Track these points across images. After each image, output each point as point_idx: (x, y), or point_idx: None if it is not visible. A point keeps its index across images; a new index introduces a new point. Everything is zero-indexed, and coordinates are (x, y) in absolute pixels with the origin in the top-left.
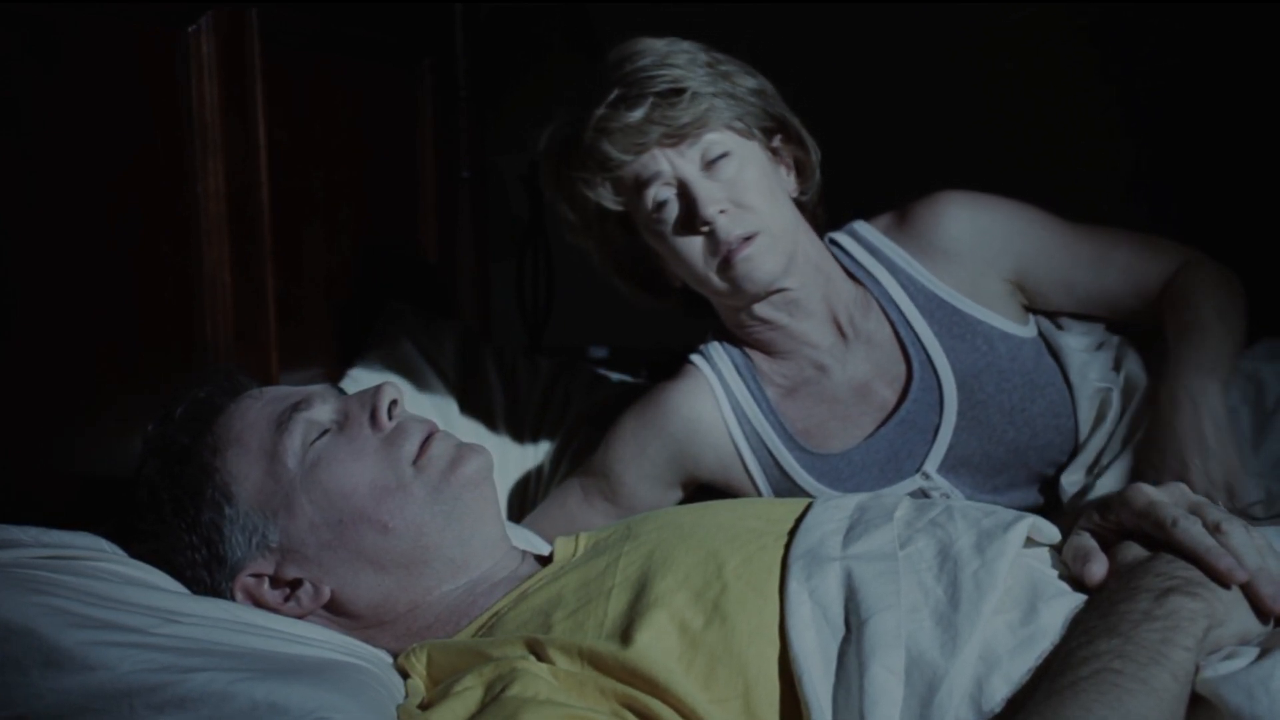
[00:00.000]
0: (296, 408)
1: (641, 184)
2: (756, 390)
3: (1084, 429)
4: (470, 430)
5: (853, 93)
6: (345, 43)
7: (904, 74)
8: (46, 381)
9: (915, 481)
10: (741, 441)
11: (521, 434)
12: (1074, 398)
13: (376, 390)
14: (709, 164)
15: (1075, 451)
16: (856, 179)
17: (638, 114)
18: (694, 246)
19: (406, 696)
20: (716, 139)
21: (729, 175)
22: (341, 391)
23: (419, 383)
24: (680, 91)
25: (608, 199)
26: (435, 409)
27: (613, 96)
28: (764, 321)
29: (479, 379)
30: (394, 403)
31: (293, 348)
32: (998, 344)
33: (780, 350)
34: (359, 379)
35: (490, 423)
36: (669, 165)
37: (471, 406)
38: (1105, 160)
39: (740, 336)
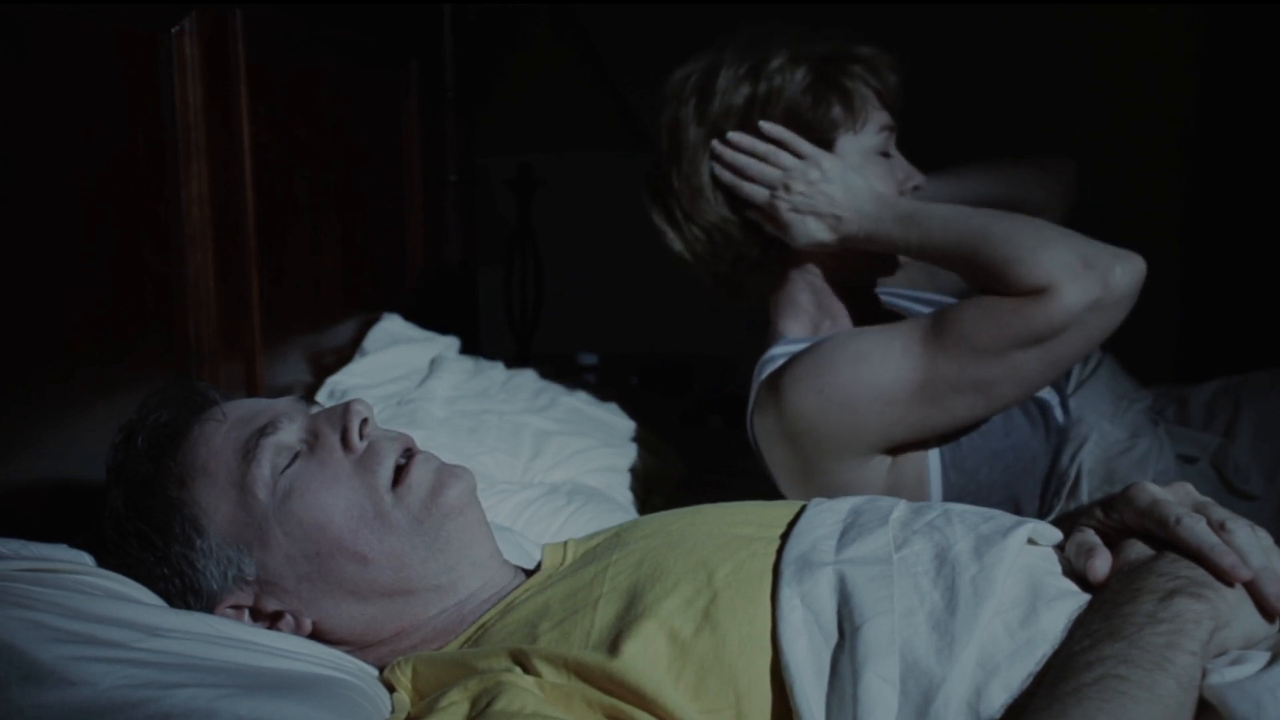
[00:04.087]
0: (263, 432)
1: (884, 127)
2: None
3: None
4: (457, 441)
5: None
6: (331, 44)
7: (899, 73)
8: (25, 389)
9: None
10: None
11: (510, 444)
12: None
13: (346, 409)
14: None
15: None
16: None
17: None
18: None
19: (392, 711)
20: None
21: None
22: (311, 403)
23: (405, 395)
24: None
25: (865, 103)
26: (422, 421)
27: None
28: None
29: (465, 391)
30: (365, 421)
31: (277, 353)
32: None
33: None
34: (346, 387)
35: (479, 433)
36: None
37: (458, 423)
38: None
39: (832, 278)
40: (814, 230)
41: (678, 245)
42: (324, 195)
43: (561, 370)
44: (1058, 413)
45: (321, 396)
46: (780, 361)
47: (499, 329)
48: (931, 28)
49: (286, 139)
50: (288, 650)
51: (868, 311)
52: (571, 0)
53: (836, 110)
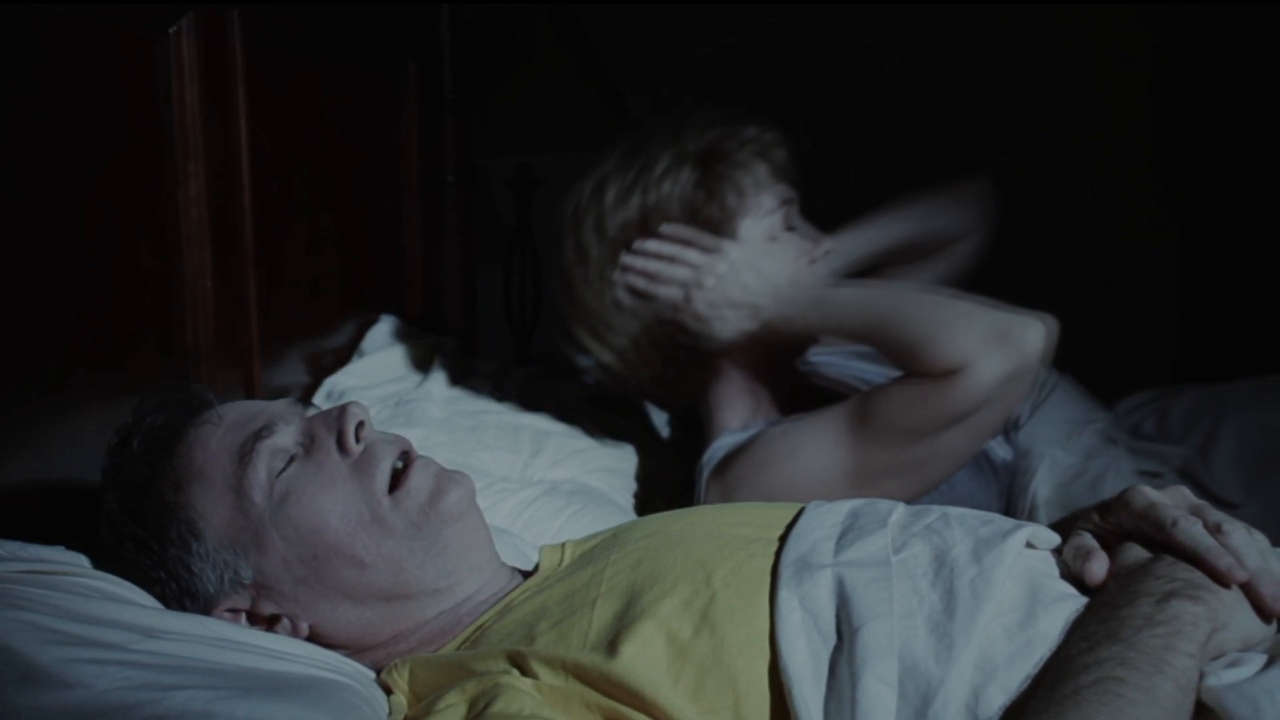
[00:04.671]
0: (259, 435)
1: (782, 202)
2: None
3: None
4: (456, 440)
5: (837, 92)
6: (329, 44)
7: (897, 73)
8: (23, 391)
9: None
10: None
11: (509, 442)
12: None
13: (342, 411)
14: None
15: None
16: (857, 175)
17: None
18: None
19: (390, 713)
20: None
21: None
22: (308, 405)
23: (403, 396)
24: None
25: (755, 185)
26: (419, 421)
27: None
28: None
29: (464, 391)
30: (361, 424)
31: (275, 355)
32: None
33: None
34: (344, 388)
35: (477, 432)
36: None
37: (456, 422)
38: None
39: (760, 362)
40: (733, 321)
41: (606, 357)
42: (322, 196)
43: (561, 371)
44: (999, 452)
45: (319, 398)
46: (723, 454)
47: (498, 329)
48: (931, 28)
49: (284, 139)
50: (285, 652)
51: (802, 386)
52: (571, 0)
53: (730, 199)
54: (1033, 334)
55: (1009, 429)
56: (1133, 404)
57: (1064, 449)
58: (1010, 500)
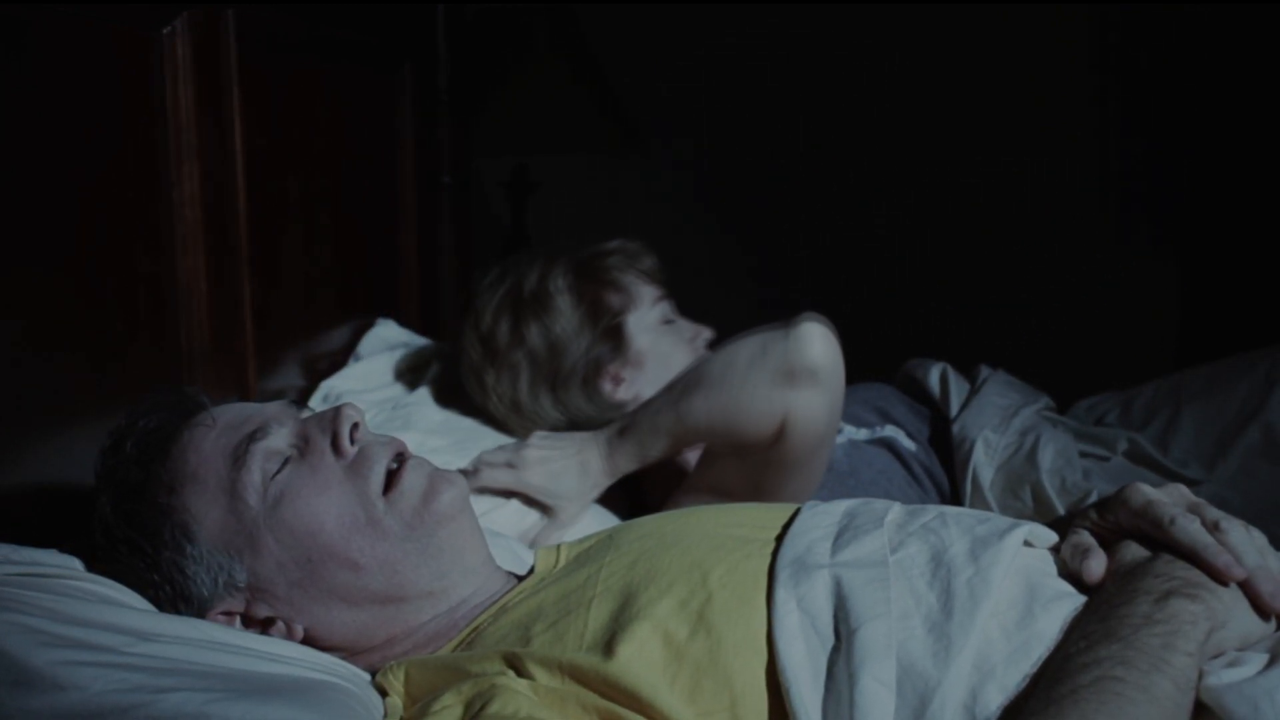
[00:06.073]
0: (253, 437)
1: (659, 298)
2: None
3: None
4: (455, 442)
5: (837, 92)
6: (324, 45)
7: (897, 73)
8: (15, 394)
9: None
10: None
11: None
12: None
13: (336, 413)
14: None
15: None
16: (851, 172)
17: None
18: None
19: (385, 715)
20: None
21: None
22: (300, 407)
23: (400, 399)
24: None
25: (634, 284)
26: (417, 424)
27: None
28: None
29: (462, 394)
30: (355, 426)
31: (270, 357)
32: None
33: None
34: (340, 391)
35: (477, 433)
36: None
37: (455, 424)
38: (1089, 161)
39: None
40: (571, 488)
41: None
42: (317, 197)
43: None
44: (904, 443)
45: (316, 401)
46: None
47: None
48: (931, 28)
49: (279, 140)
50: (280, 655)
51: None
52: (570, 0)
53: (613, 298)
54: (810, 347)
55: (942, 420)
56: (1093, 400)
57: (996, 431)
58: (937, 486)
